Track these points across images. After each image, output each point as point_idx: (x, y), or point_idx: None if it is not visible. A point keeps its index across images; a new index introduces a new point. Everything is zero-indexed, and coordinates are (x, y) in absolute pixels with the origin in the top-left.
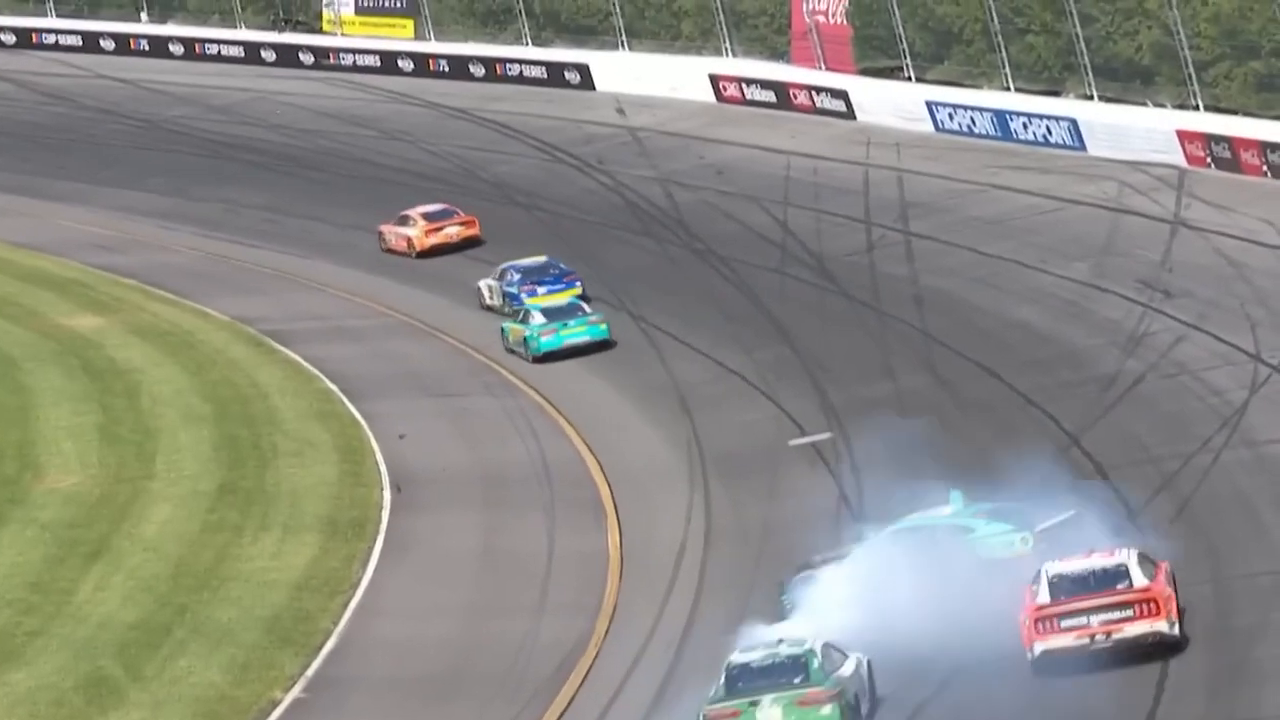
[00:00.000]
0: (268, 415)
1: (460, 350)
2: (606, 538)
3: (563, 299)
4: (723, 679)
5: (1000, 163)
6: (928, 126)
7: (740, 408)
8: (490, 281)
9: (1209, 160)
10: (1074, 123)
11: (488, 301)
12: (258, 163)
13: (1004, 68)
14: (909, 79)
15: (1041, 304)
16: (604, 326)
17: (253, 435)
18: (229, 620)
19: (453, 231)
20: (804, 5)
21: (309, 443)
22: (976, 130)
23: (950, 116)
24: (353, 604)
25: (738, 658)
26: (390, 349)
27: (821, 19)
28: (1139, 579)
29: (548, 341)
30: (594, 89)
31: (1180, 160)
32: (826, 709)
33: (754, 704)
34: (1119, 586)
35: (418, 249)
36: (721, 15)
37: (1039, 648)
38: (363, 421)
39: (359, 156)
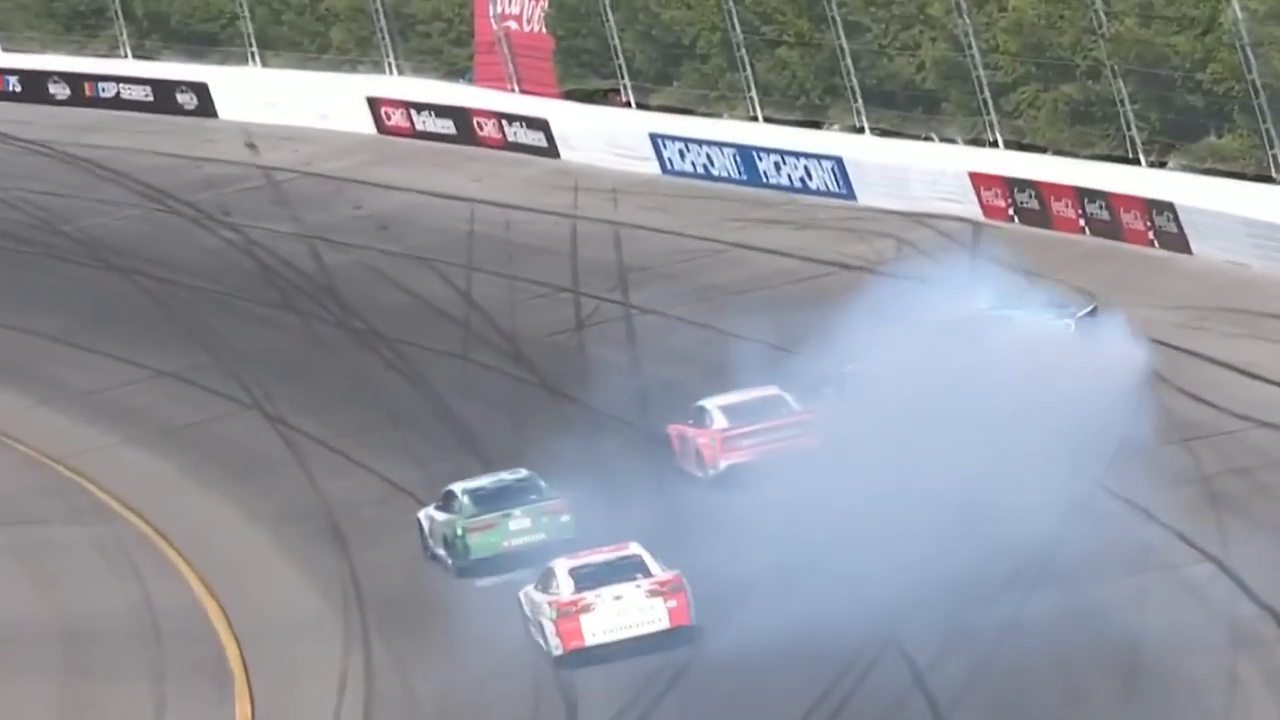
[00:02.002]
0: None
1: (37, 462)
2: (234, 710)
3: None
4: (465, 499)
5: (745, 214)
6: (652, 167)
7: (412, 538)
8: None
9: (1011, 211)
10: (839, 162)
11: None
12: None
13: (750, 91)
14: (628, 105)
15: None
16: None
17: None
18: None
19: None
20: (490, 8)
21: None
22: (715, 172)
23: (681, 154)
24: None
25: (465, 484)
26: None
27: (514, 26)
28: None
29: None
30: (216, 116)
31: (975, 211)
32: (565, 517)
33: (507, 515)
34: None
35: None
36: (383, 20)
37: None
38: None
39: None
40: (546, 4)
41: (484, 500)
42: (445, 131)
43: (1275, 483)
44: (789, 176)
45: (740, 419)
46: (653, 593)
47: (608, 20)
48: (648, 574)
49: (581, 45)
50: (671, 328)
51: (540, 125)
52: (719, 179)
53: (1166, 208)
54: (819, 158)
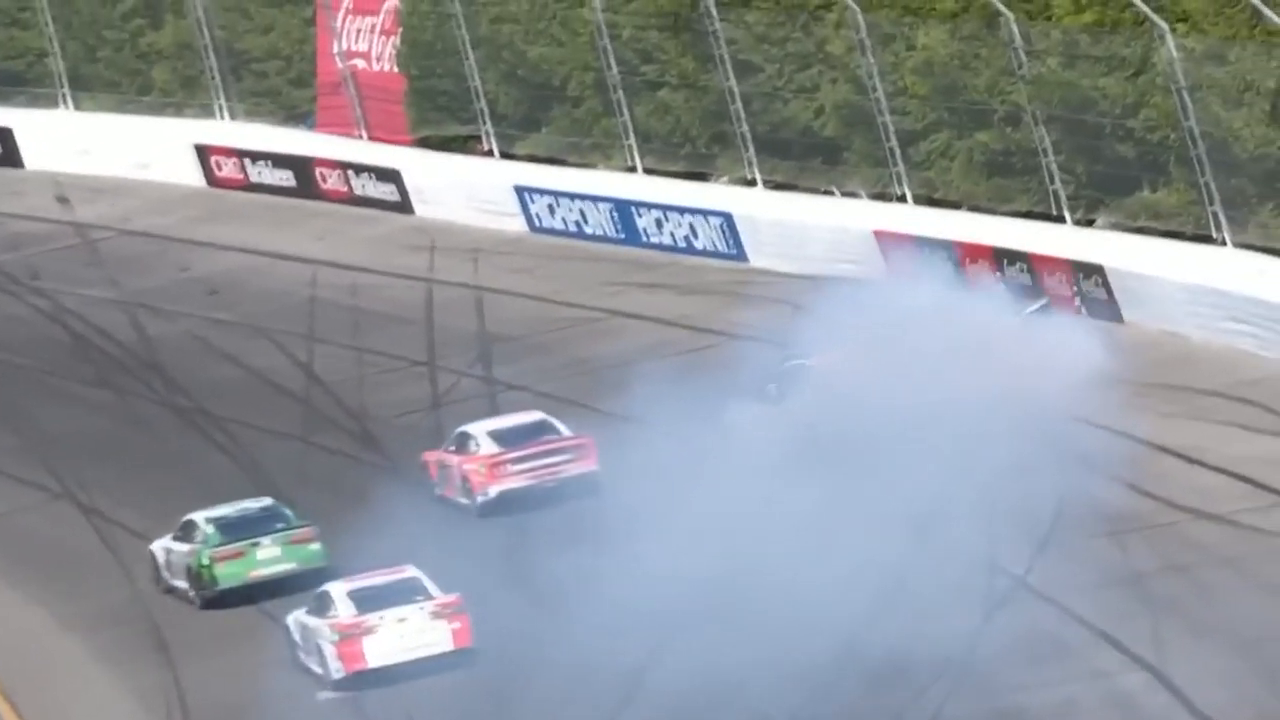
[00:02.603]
0: None
1: None
2: None
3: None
4: (209, 528)
5: (623, 278)
6: (518, 224)
7: (250, 643)
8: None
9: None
10: (728, 219)
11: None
12: None
13: (627, 138)
14: (490, 154)
15: None
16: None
17: None
18: None
19: None
20: (334, 45)
21: None
22: (589, 230)
23: (550, 210)
24: None
25: (207, 513)
26: None
27: (361, 65)
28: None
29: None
30: (21, 165)
31: (880, 273)
32: (315, 545)
33: (255, 544)
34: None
35: None
36: (212, 58)
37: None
38: None
39: None
40: (398, 40)
41: (229, 529)
42: (284, 184)
43: (1218, 582)
44: (672, 235)
45: (509, 444)
46: (436, 614)
47: (467, 58)
48: (429, 596)
49: (438, 86)
50: (540, 406)
51: (391, 177)
52: (593, 237)
53: (1095, 271)
54: (705, 214)
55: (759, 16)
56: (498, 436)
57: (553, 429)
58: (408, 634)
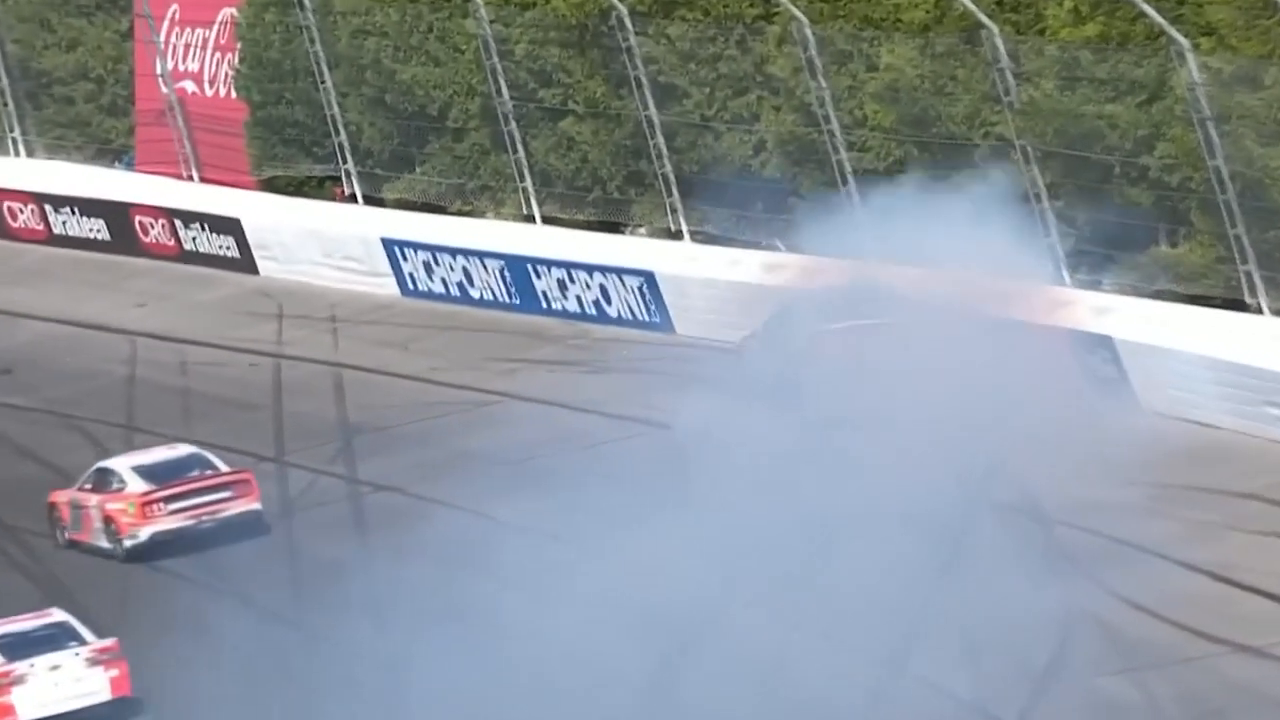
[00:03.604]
0: None
1: None
2: None
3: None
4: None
5: (517, 352)
6: (388, 286)
7: None
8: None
9: None
10: (649, 279)
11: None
12: None
13: (523, 179)
14: (352, 199)
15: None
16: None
17: None
18: None
19: None
20: (157, 64)
21: None
22: (475, 293)
23: (427, 268)
24: None
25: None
26: None
27: (191, 89)
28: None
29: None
30: None
31: None
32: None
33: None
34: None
35: None
36: (4, 79)
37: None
38: None
39: None
40: (236, 58)
41: (155, 476)
42: (95, 236)
43: None
44: (579, 299)
45: (161, 480)
46: (93, 661)
47: (323, 81)
48: (83, 641)
49: (286, 116)
50: (417, 510)
51: (230, 228)
52: (481, 303)
53: (1102, 343)
54: (620, 272)
55: (683, 30)
56: (146, 472)
57: (208, 463)
58: (62, 682)
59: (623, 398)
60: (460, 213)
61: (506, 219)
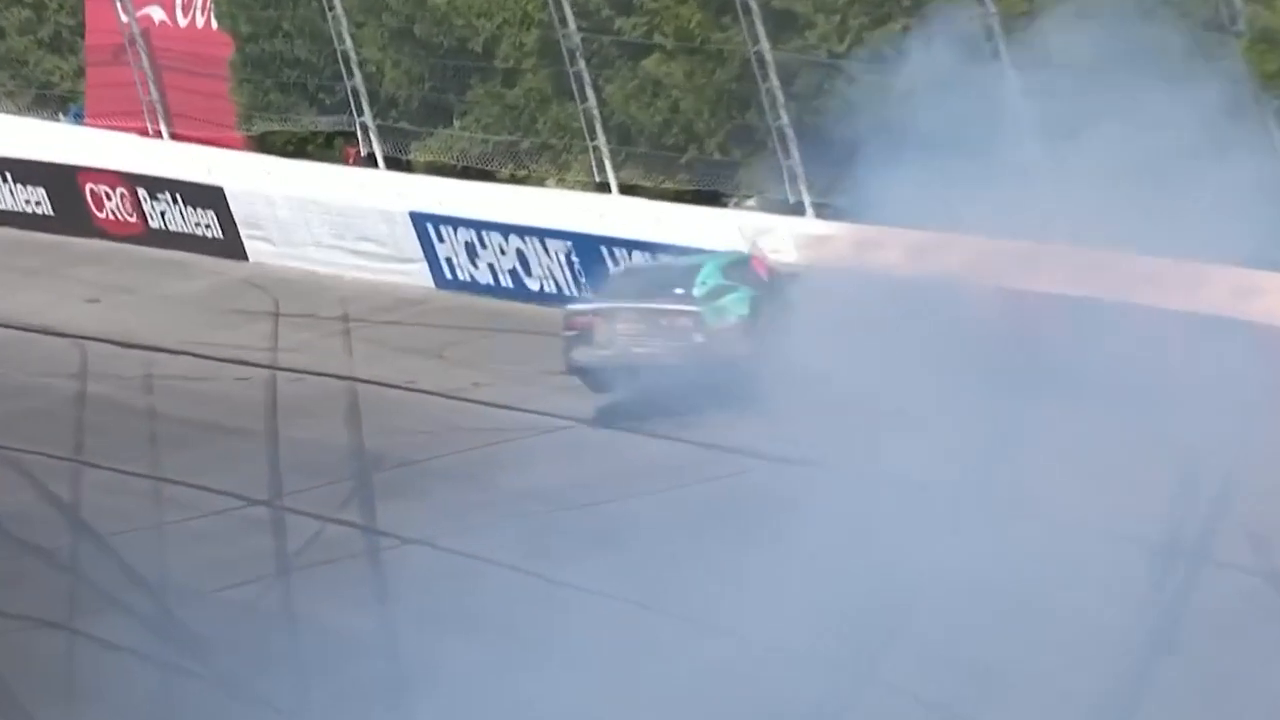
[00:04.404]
0: None
1: None
2: None
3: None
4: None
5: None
6: (419, 274)
7: None
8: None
9: None
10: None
11: None
12: None
13: (593, 137)
14: (370, 161)
15: None
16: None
17: None
18: None
19: None
20: None
21: None
22: (532, 283)
23: (470, 251)
24: None
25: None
26: None
27: (158, 16)
28: None
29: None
30: None
31: None
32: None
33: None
34: None
35: None
36: None
37: None
38: None
39: None
40: None
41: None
42: (32, 210)
43: None
44: None
45: None
46: None
47: (332, 7)
48: None
49: (284, 52)
50: (455, 570)
51: (209, 199)
52: (539, 296)
53: None
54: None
55: None
56: None
57: None
58: None
59: (721, 419)
60: (513, 179)
61: (573, 187)
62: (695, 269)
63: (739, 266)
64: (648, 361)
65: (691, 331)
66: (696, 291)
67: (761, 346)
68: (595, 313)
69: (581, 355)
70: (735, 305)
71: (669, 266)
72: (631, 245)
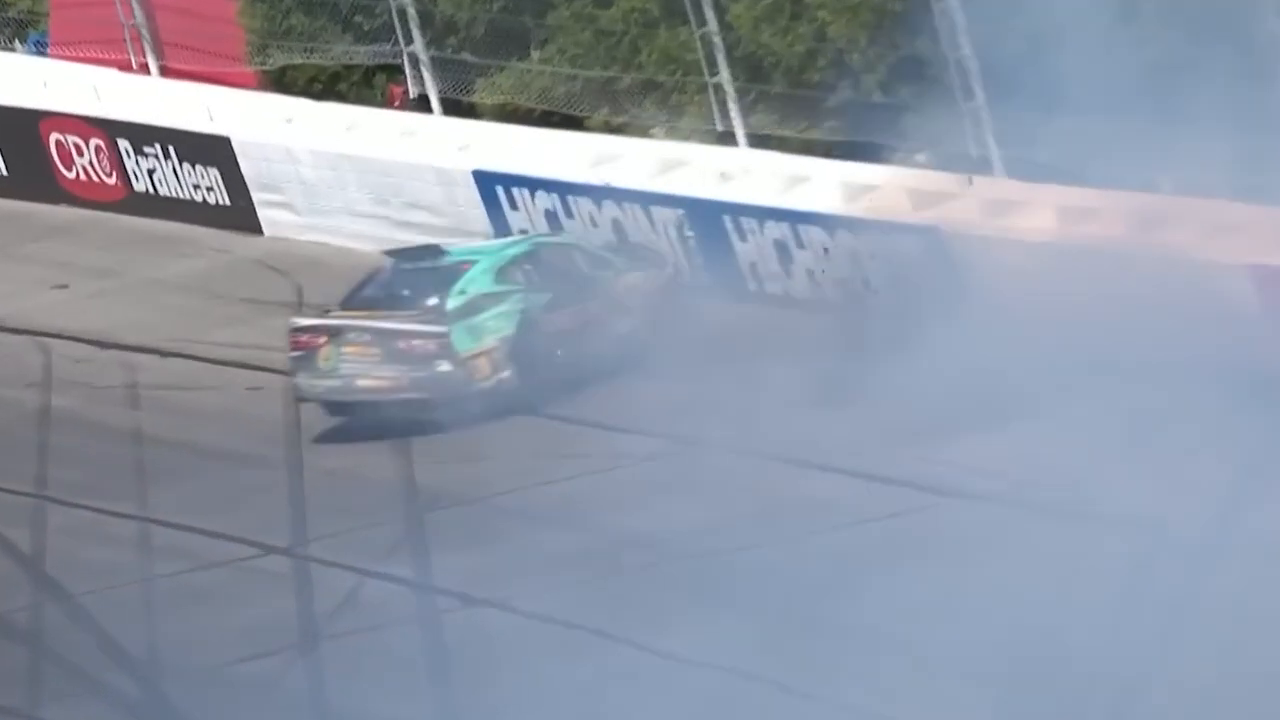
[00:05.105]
0: None
1: None
2: None
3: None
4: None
5: (715, 362)
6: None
7: None
8: None
9: None
10: (932, 237)
11: None
12: None
13: (714, 72)
14: (421, 104)
15: None
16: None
17: None
18: None
19: None
20: None
21: None
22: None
23: (553, 221)
24: None
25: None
26: None
27: None
28: None
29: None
30: None
31: None
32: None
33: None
34: None
35: None
36: None
37: None
38: None
39: None
40: None
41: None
42: None
43: None
44: (811, 274)
45: None
46: None
47: None
48: None
49: None
50: (534, 641)
51: (212, 154)
52: None
53: None
54: (884, 230)
55: None
56: None
57: None
58: None
59: (868, 437)
60: (608, 128)
61: (687, 137)
62: (461, 271)
63: (531, 262)
64: (375, 397)
65: (435, 359)
66: (450, 304)
67: (536, 375)
68: (322, 330)
69: (304, 383)
70: (497, 323)
71: (441, 266)
72: (764, 214)
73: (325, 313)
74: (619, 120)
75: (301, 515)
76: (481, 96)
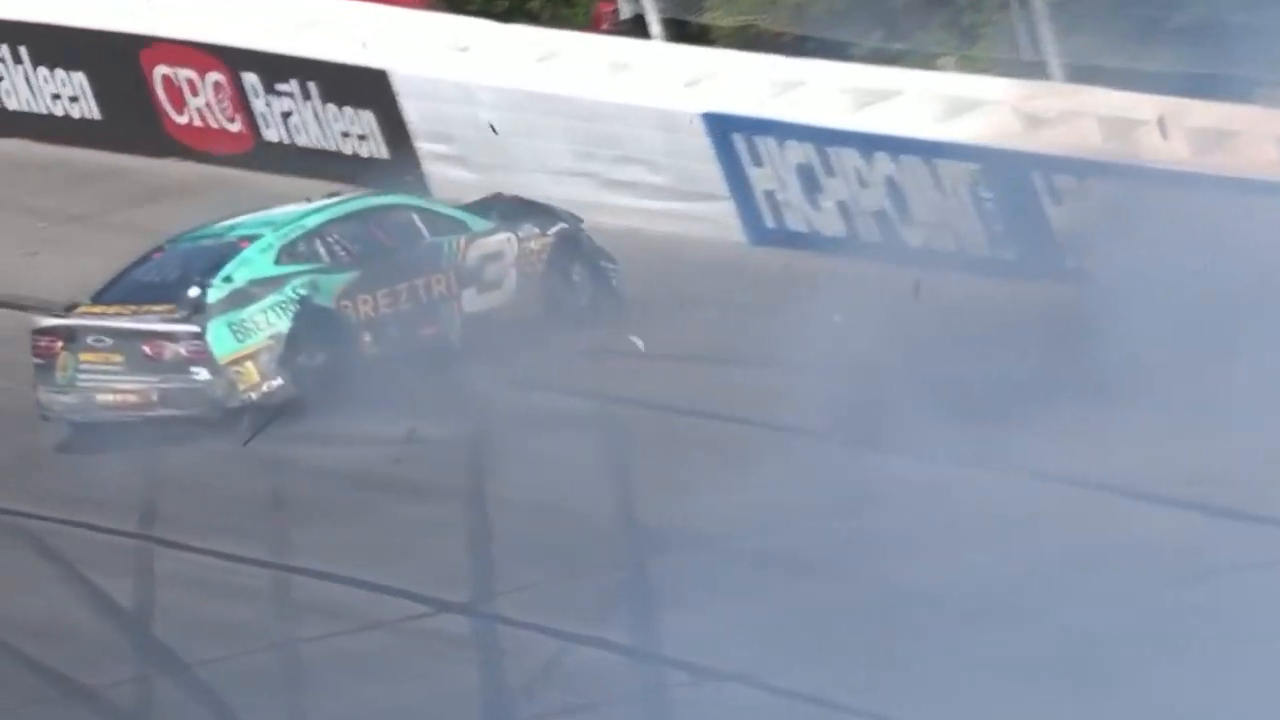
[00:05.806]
0: None
1: None
2: None
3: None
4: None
5: (1022, 360)
6: (722, 221)
7: None
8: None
9: None
10: None
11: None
12: None
13: None
14: (639, 29)
15: None
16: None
17: None
18: None
19: None
20: None
21: None
22: (909, 235)
23: (810, 181)
24: None
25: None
26: None
27: None
28: None
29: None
30: None
31: None
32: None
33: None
34: None
35: None
36: None
37: None
38: None
39: None
40: None
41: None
42: (65, 109)
43: None
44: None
45: None
46: None
47: None
48: None
49: None
50: None
51: (365, 93)
52: (930, 254)
53: None
54: (1242, 187)
55: None
56: None
57: None
58: None
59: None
60: (878, 59)
61: (985, 71)
62: (237, 250)
63: (339, 232)
64: (118, 415)
65: (188, 365)
66: (212, 295)
67: (332, 374)
68: (61, 331)
69: (45, 399)
70: (268, 316)
71: (217, 245)
72: (1084, 170)
73: (68, 310)
74: (894, 50)
75: (485, 562)
76: (715, 17)
